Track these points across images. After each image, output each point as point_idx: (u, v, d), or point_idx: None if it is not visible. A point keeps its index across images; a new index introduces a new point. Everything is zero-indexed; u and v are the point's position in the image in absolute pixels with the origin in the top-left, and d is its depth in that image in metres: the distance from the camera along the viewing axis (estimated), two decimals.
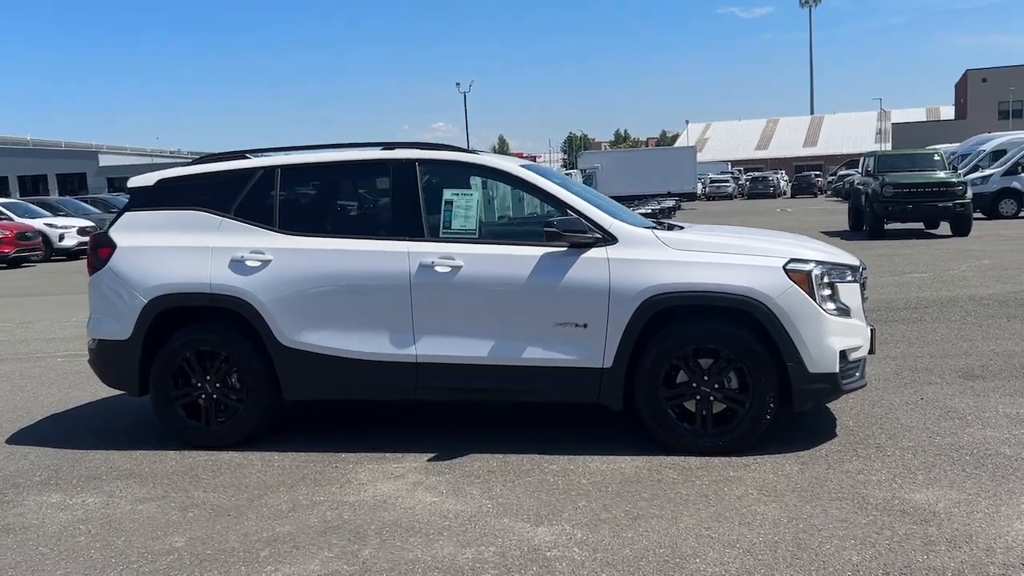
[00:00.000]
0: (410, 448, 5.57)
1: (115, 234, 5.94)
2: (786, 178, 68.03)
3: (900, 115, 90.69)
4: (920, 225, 21.31)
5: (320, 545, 4.18)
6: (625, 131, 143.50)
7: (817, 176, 63.37)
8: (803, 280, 5.14)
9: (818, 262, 5.25)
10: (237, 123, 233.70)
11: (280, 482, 5.09)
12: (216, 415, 5.74)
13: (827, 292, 5.22)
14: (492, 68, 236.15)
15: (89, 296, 6.05)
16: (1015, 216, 25.59)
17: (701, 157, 67.75)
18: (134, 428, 6.38)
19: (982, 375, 6.88)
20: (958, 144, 38.06)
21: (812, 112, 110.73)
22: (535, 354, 5.33)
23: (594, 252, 5.29)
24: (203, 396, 5.75)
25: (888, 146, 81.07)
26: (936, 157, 22.09)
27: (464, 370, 5.42)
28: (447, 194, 5.60)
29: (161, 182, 6.03)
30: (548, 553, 3.98)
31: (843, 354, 5.21)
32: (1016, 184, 26.18)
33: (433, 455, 5.43)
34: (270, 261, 5.60)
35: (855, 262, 5.56)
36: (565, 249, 5.32)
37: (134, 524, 4.55)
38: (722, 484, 4.76)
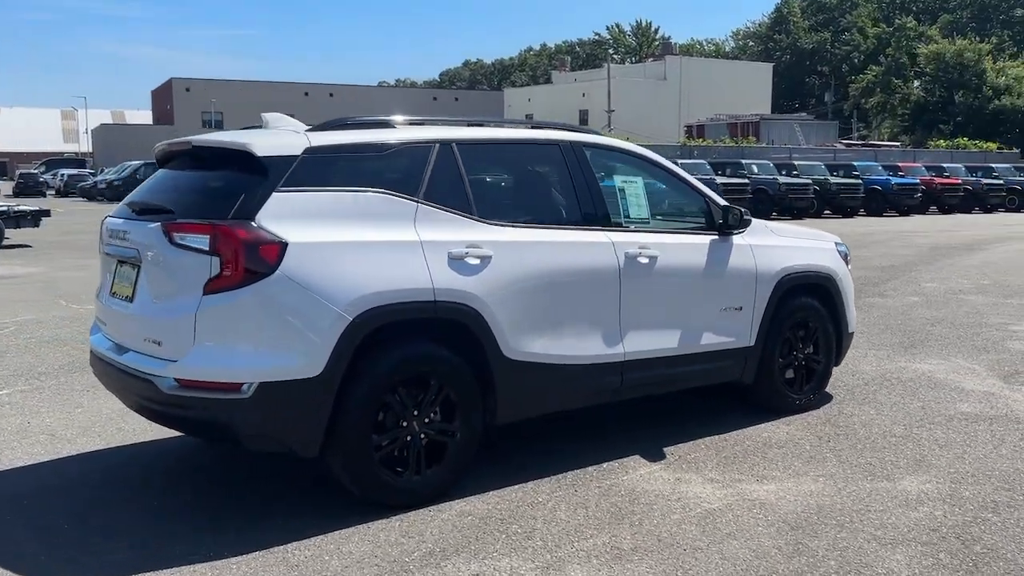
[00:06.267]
0: (575, 460, 5.06)
1: (273, 225, 3.98)
2: None
3: (88, 116, 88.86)
4: None
5: (775, 544, 4.02)
6: None
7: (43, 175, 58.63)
8: (844, 257, 6.41)
9: (843, 244, 6.56)
10: None
11: (616, 514, 4.31)
12: (426, 460, 4.39)
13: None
14: None
15: (222, 320, 3.94)
16: None
17: None
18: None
19: None
20: None
21: None
22: (708, 339, 5.49)
23: (738, 239, 5.69)
24: (409, 438, 4.33)
25: (85, 147, 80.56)
26: None
27: (659, 363, 5.26)
28: (618, 181, 5.30)
29: (312, 151, 4.23)
30: (963, 493, 4.58)
31: None
32: None
33: (625, 457, 5.13)
34: (490, 257, 4.52)
35: None
36: (717, 236, 5.61)
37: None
38: (874, 428, 5.74)
